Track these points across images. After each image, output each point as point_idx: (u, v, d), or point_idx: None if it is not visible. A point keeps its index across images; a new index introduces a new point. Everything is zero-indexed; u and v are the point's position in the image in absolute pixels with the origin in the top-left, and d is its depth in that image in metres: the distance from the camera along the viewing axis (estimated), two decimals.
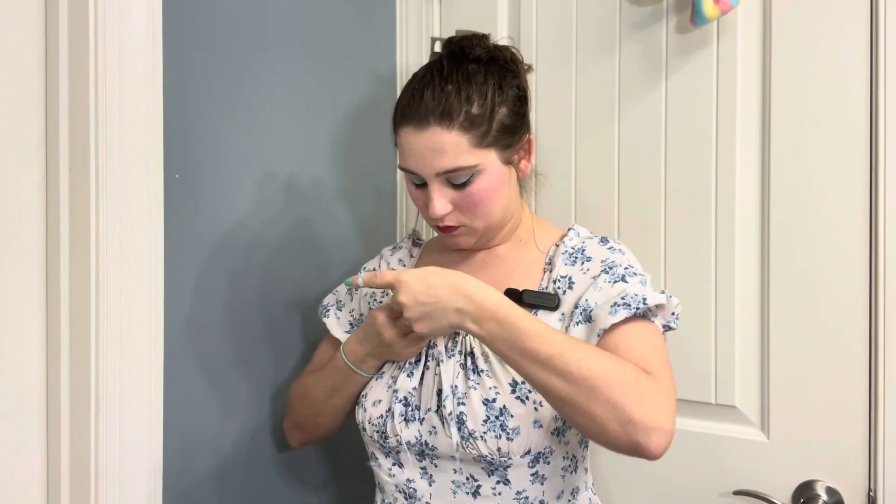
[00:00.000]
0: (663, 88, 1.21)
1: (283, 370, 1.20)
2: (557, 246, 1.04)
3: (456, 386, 0.95)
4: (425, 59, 1.38)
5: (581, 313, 0.95)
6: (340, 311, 1.14)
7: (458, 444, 0.94)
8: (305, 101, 1.22)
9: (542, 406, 0.93)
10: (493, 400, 0.93)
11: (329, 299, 1.17)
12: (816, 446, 1.10)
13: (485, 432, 0.92)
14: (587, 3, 1.28)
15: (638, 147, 1.23)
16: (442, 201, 0.97)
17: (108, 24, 0.91)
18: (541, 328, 0.86)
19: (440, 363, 0.98)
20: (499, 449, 0.92)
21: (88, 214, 0.91)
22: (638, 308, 0.91)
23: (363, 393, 1.04)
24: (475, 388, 0.95)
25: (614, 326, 0.92)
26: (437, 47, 1.06)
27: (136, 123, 0.94)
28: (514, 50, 1.05)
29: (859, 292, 1.07)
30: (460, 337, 1.00)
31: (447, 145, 0.94)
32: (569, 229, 1.06)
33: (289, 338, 1.21)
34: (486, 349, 0.96)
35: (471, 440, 0.93)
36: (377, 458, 1.03)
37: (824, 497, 1.09)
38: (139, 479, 0.96)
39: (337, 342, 1.10)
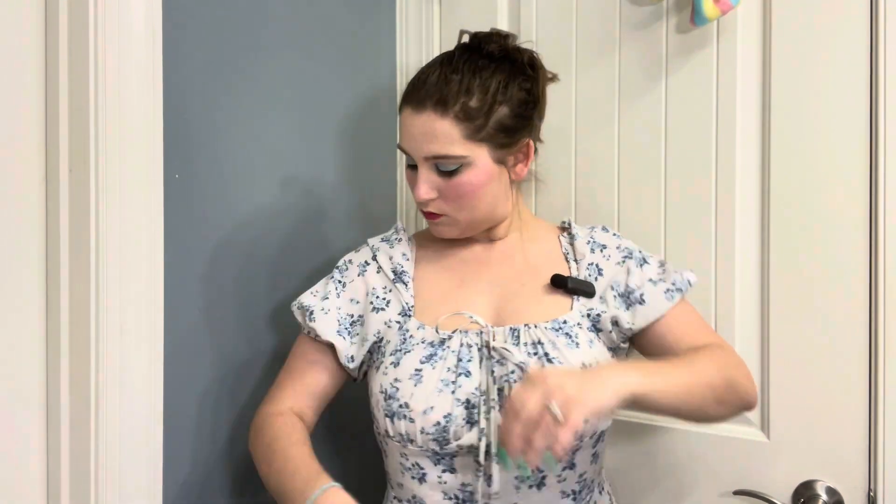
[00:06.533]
0: (663, 88, 1.21)
1: None
2: (570, 236, 1.07)
3: None
4: (425, 59, 1.38)
5: (618, 297, 1.01)
6: (327, 313, 1.05)
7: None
8: (305, 100, 1.22)
9: None
10: None
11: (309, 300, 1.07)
12: (816, 446, 1.10)
13: None
14: (587, 3, 1.28)
15: (638, 147, 1.23)
16: (426, 186, 0.98)
17: (108, 24, 0.91)
18: (667, 367, 0.91)
19: (504, 357, 0.95)
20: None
21: (88, 214, 0.91)
22: (683, 289, 1.02)
23: (402, 402, 0.94)
24: None
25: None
26: (466, 39, 1.05)
27: (136, 123, 0.94)
28: (535, 55, 1.03)
29: (859, 292, 1.07)
30: (523, 328, 0.97)
31: (438, 132, 0.95)
32: (568, 223, 1.10)
33: (289, 336, 1.21)
34: (553, 338, 0.96)
35: None
36: (422, 469, 0.96)
37: (824, 497, 1.09)
38: (139, 479, 0.96)
39: (323, 347, 1.04)
